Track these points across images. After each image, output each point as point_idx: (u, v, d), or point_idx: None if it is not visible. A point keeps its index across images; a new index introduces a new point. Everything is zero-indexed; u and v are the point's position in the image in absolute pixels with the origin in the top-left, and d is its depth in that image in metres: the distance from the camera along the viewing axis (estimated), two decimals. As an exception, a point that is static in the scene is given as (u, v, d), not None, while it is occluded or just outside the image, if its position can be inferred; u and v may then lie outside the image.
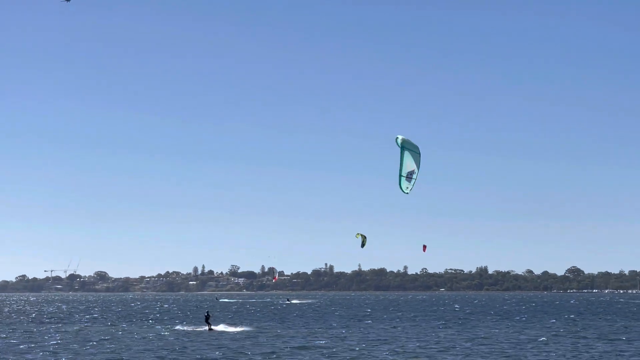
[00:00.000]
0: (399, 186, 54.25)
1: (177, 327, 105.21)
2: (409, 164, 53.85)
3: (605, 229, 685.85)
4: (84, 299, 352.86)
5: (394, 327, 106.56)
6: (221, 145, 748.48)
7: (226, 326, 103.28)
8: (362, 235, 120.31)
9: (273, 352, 69.61)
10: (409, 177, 54.00)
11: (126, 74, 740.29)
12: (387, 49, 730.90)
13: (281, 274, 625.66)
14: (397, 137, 54.13)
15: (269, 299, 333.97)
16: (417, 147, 53.92)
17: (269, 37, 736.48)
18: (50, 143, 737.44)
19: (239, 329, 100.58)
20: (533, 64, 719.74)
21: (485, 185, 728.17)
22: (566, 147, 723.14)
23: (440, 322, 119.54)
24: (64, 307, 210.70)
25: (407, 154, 53.71)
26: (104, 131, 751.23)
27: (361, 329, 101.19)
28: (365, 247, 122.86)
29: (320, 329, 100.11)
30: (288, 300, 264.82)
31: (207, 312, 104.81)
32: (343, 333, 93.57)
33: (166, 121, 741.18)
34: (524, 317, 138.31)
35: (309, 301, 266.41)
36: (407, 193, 54.28)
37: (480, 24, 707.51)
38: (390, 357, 66.04)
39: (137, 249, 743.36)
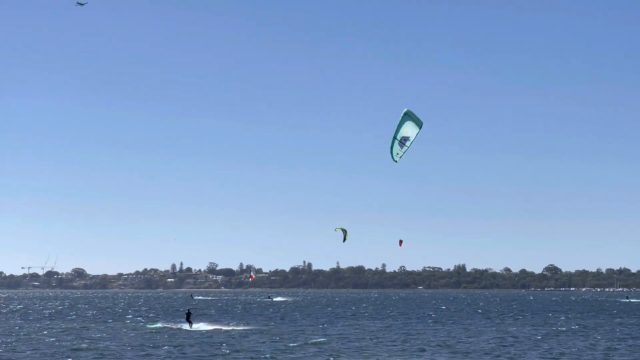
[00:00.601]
0: (390, 152, 50.87)
1: (159, 325, 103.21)
2: (407, 130, 51.08)
3: (582, 227, 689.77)
4: (63, 295, 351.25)
5: (388, 326, 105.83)
6: (199, 141, 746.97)
7: (208, 324, 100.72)
8: (342, 229, 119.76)
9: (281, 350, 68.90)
10: (402, 142, 50.88)
11: (105, 67, 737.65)
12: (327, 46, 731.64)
13: (259, 271, 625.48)
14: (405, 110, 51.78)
15: (245, 297, 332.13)
16: (420, 121, 51.37)
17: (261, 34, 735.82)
18: (26, 139, 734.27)
19: (226, 327, 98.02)
20: (516, 60, 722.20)
21: (463, 183, 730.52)
22: (543, 145, 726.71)
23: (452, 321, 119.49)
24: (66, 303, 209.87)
25: (407, 121, 51.19)
26: (79, 127, 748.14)
27: (373, 328, 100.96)
28: (346, 241, 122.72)
29: (329, 329, 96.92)
30: (270, 298, 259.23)
31: (189, 310, 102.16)
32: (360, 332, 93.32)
33: (142, 116, 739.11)
34: (526, 315, 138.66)
35: (292, 299, 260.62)
36: (397, 161, 50.85)
37: (466, 20, 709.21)
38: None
39: (115, 245, 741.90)
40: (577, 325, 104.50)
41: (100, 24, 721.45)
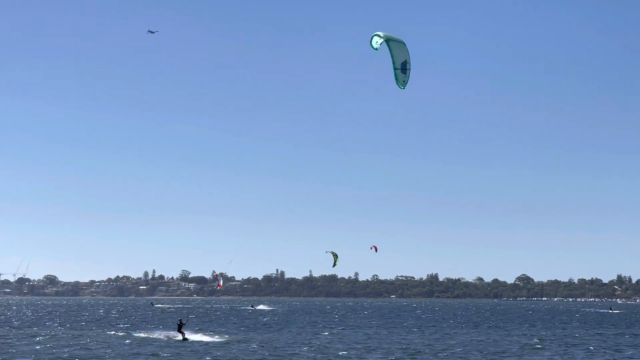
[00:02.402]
0: (395, 82, 51.33)
1: (155, 335, 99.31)
2: (399, 54, 51.18)
3: (554, 237, 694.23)
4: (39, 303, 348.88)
5: (371, 333, 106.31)
6: (173, 148, 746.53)
7: (204, 335, 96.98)
8: (333, 253, 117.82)
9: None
10: (404, 68, 51.26)
11: (79, 70, 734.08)
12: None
13: (232, 279, 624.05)
14: (376, 34, 51.49)
15: (217, 305, 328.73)
16: (400, 39, 51.40)
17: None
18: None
19: (218, 338, 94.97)
20: (492, 70, 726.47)
21: (437, 193, 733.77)
22: (517, 155, 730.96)
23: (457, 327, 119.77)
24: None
25: (394, 44, 51.15)
26: (51, 132, 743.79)
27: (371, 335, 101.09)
28: (335, 266, 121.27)
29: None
30: (252, 307, 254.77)
31: (180, 319, 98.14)
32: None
33: (116, 122, 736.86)
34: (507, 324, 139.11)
35: (273, 308, 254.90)
36: (404, 88, 51.32)
37: (428, 26, 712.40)
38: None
39: (87, 252, 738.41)
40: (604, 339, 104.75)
41: (88, 26, 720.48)
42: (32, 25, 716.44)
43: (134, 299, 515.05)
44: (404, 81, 51.50)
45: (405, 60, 51.48)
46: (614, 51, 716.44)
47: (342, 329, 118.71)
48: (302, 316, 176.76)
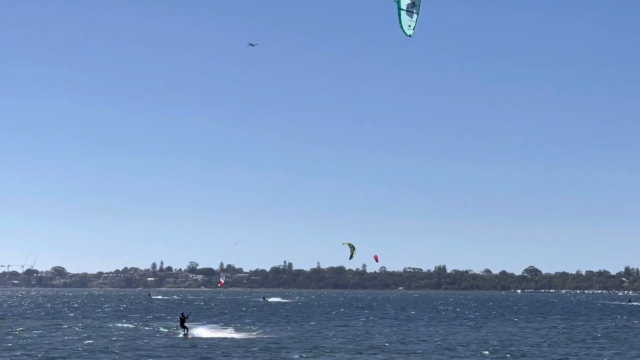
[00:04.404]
0: (399, 26, 42.15)
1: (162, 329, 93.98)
2: None
3: (562, 229, 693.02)
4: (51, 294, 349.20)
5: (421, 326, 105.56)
6: (179, 141, 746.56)
7: (212, 330, 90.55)
8: (349, 244, 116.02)
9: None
10: (410, 10, 42.15)
11: (89, 66, 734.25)
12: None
13: (239, 271, 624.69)
14: None
15: (226, 297, 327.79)
16: None
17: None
18: (5, 135, 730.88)
19: (234, 334, 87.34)
20: (507, 65, 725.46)
21: (446, 185, 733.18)
22: (523, 148, 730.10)
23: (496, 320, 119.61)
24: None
25: None
26: (60, 124, 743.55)
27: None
28: (352, 258, 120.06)
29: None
30: (264, 299, 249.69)
31: (182, 313, 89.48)
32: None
33: (124, 115, 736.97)
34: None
35: (287, 300, 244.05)
36: (410, 35, 42.01)
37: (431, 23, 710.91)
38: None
39: (95, 244, 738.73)
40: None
41: (92, 21, 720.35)
42: (36, 19, 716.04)
43: (142, 291, 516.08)
44: (409, 26, 42.74)
45: (414, 1, 42.85)
46: (612, 49, 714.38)
47: (459, 325, 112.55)
48: (348, 309, 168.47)
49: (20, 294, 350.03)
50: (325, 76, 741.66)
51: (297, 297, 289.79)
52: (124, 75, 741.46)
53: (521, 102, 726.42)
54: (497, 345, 75.11)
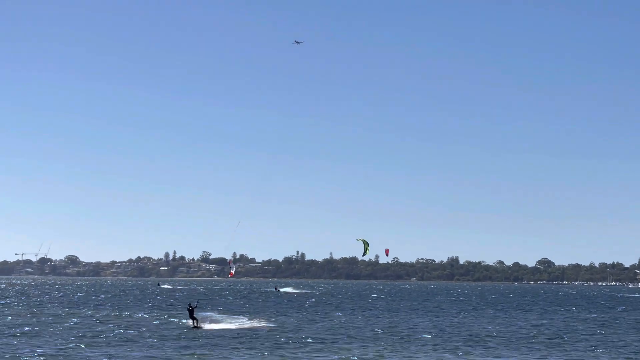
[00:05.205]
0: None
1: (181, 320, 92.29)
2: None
3: (576, 221, 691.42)
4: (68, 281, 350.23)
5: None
6: (194, 129, 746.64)
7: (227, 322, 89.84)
8: (364, 241, 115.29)
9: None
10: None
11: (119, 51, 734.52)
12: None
13: (252, 260, 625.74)
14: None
15: (242, 286, 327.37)
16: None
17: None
18: (19, 123, 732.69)
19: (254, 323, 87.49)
20: (522, 58, 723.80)
21: (458, 176, 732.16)
22: (539, 142, 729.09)
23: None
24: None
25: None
26: (74, 111, 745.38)
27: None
28: (366, 255, 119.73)
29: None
30: (277, 290, 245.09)
31: (190, 303, 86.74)
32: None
33: (141, 102, 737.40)
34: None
35: (301, 291, 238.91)
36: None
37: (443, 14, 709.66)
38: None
39: (108, 233, 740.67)
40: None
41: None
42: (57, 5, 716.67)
43: (155, 280, 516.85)
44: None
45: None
46: (609, 45, 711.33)
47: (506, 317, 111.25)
48: (374, 302, 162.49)
49: (51, 282, 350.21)
50: (339, 64, 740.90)
51: (313, 289, 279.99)
52: (145, 57, 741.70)
53: (536, 92, 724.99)
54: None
